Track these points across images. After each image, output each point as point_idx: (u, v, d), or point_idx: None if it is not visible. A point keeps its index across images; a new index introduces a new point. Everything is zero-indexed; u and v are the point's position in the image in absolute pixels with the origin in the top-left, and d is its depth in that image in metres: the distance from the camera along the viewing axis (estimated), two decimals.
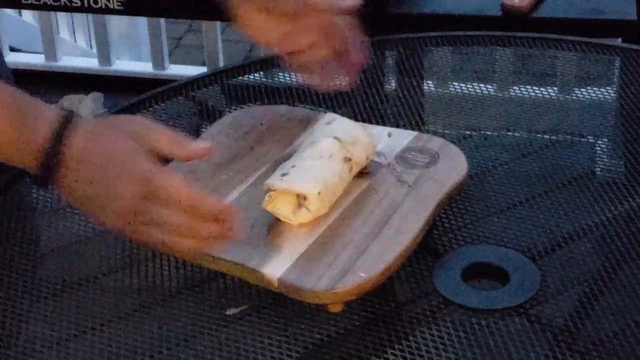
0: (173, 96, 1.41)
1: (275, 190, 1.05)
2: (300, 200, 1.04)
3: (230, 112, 1.36)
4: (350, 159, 1.10)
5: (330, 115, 1.16)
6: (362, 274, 1.00)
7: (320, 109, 1.32)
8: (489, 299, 1.04)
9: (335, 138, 1.10)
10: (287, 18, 1.16)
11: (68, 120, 0.96)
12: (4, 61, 1.36)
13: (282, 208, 1.05)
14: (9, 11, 3.21)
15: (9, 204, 1.23)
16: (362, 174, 1.13)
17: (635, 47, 1.47)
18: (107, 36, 2.95)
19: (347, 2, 1.16)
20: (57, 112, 0.96)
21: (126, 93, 2.56)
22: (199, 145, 1.04)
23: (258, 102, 1.38)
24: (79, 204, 0.98)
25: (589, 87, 1.41)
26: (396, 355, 0.98)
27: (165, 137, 0.99)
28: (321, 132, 1.12)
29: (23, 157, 0.96)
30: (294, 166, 1.08)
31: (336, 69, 1.19)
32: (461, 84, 1.43)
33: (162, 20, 2.91)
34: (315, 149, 1.09)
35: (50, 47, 2.97)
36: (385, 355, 0.98)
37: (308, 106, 1.25)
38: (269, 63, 1.43)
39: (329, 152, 1.08)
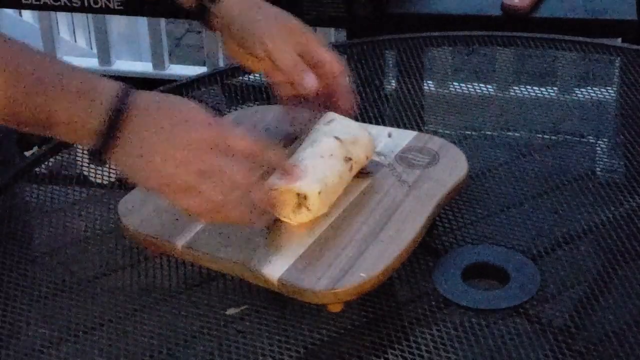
0: None
1: (275, 190, 1.05)
2: (301, 199, 1.04)
3: (230, 112, 1.36)
4: (350, 159, 1.10)
5: (330, 115, 1.16)
6: (362, 274, 1.00)
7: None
8: (489, 299, 1.04)
9: (336, 137, 1.10)
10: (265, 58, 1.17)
11: (125, 95, 0.97)
12: None
13: (282, 208, 1.05)
14: (9, 11, 3.20)
15: (9, 204, 1.23)
16: (362, 173, 1.13)
17: (635, 47, 1.47)
18: (107, 36, 2.95)
19: (308, 81, 1.15)
20: (113, 87, 0.98)
21: None
22: None
23: (258, 102, 1.38)
24: (136, 168, 0.97)
25: (589, 87, 1.41)
26: (396, 355, 0.98)
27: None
28: (321, 131, 1.12)
29: (79, 135, 0.96)
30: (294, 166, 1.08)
31: (321, 105, 1.18)
32: (461, 84, 1.43)
33: (162, 20, 2.91)
34: (315, 149, 1.09)
35: (50, 47, 2.97)
36: (385, 355, 0.98)
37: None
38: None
39: (330, 152, 1.08)
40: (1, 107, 0.95)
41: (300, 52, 1.15)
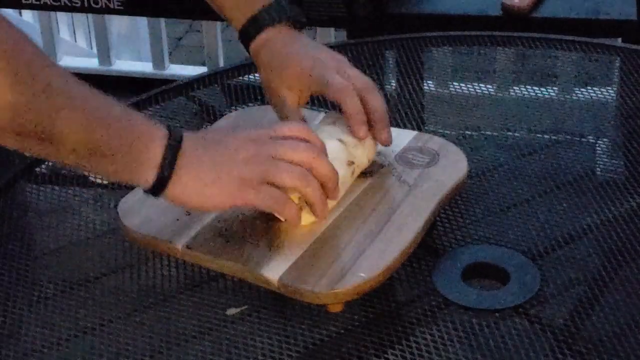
0: (173, 96, 1.41)
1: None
2: (302, 202, 1.04)
3: (230, 112, 1.36)
4: (353, 162, 1.10)
5: (333, 114, 1.15)
6: (362, 274, 1.00)
7: (320, 109, 1.32)
8: (489, 299, 1.04)
9: (340, 140, 1.10)
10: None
11: (177, 137, 0.99)
12: None
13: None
14: (9, 11, 3.20)
15: (9, 204, 1.23)
16: (362, 173, 1.13)
17: (635, 47, 1.47)
18: (107, 36, 2.95)
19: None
20: (163, 132, 0.99)
21: (126, 93, 2.56)
22: None
23: (258, 102, 1.38)
24: (201, 194, 1.00)
25: (589, 87, 1.41)
26: (396, 355, 0.98)
27: None
28: (325, 132, 1.12)
29: (134, 176, 0.99)
30: None
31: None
32: (461, 84, 1.43)
33: (162, 20, 2.91)
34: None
35: (50, 47, 2.97)
36: (385, 355, 0.98)
37: (308, 106, 1.25)
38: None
39: (333, 155, 1.08)
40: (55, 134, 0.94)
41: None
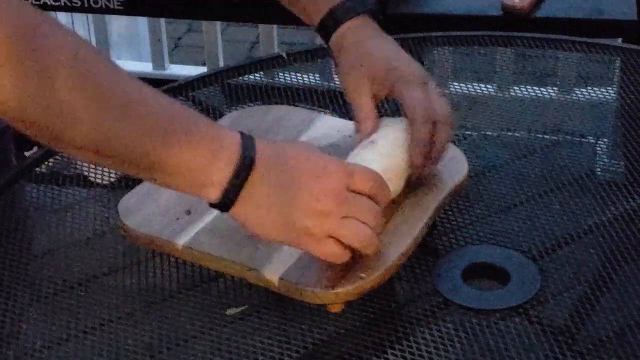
0: (173, 96, 1.41)
1: None
2: None
3: (230, 112, 1.36)
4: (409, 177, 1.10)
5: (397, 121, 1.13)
6: (362, 274, 1.00)
7: (320, 109, 1.32)
8: (489, 299, 1.04)
9: (403, 156, 1.08)
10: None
11: (249, 149, 0.94)
12: None
13: None
14: None
15: (9, 203, 1.23)
16: None
17: (635, 47, 1.47)
18: (107, 36, 2.95)
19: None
20: (237, 141, 0.94)
21: None
22: None
23: (258, 102, 1.38)
24: (262, 222, 0.96)
25: (589, 87, 1.41)
26: (396, 355, 0.98)
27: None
28: (392, 142, 1.10)
29: (201, 189, 0.95)
30: None
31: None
32: (461, 84, 1.43)
33: (162, 20, 2.91)
34: (388, 163, 1.07)
35: None
36: (385, 355, 0.98)
37: (308, 106, 1.25)
38: (269, 63, 1.44)
39: (396, 172, 1.07)
40: (101, 141, 0.91)
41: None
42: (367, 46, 1.15)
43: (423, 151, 1.08)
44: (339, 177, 0.96)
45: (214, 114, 1.39)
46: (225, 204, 0.95)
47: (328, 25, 1.17)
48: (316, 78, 1.46)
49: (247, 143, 0.95)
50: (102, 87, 0.92)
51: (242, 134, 0.96)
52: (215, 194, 0.94)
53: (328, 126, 1.22)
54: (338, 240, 0.97)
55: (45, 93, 0.87)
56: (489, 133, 1.36)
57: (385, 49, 1.15)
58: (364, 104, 1.13)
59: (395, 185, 1.06)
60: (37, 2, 2.61)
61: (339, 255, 0.98)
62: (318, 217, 0.95)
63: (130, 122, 0.92)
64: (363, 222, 0.97)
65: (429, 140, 1.08)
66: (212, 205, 0.96)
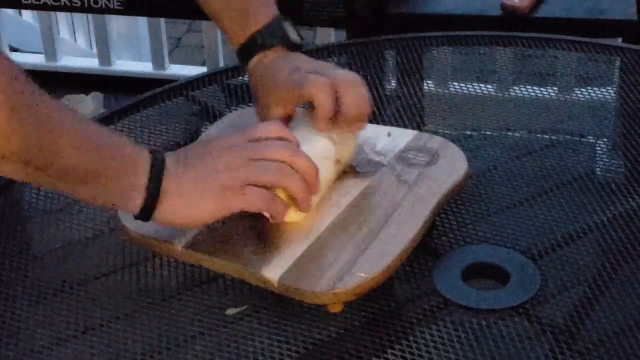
0: (173, 96, 1.41)
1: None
2: (290, 200, 1.04)
3: (230, 112, 1.36)
4: (339, 161, 1.10)
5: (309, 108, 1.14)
6: (362, 274, 1.00)
7: None
8: (489, 299, 1.04)
9: (330, 138, 1.10)
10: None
11: (159, 159, 1.00)
12: None
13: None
14: (9, 11, 3.21)
15: (8, 204, 1.23)
16: (362, 173, 1.13)
17: (635, 47, 1.47)
18: (107, 36, 2.95)
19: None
20: (147, 156, 1.00)
21: (126, 93, 2.56)
22: None
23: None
24: (188, 207, 1.01)
25: (589, 87, 1.41)
26: (396, 355, 0.98)
27: None
28: (314, 130, 1.11)
29: (123, 203, 1.01)
30: None
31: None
32: (461, 84, 1.43)
33: (162, 20, 2.92)
34: (309, 149, 1.08)
35: (50, 47, 2.97)
36: (385, 355, 0.98)
37: (308, 106, 1.25)
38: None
39: (324, 154, 1.08)
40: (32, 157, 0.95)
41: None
42: (270, 69, 1.17)
43: (322, 115, 1.09)
44: (237, 136, 1.04)
45: (214, 114, 1.39)
46: (148, 210, 1.00)
47: (244, 53, 1.20)
48: None
49: (156, 151, 1.01)
50: (38, 109, 0.96)
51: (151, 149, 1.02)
52: (138, 202, 0.99)
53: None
54: (257, 186, 1.01)
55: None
56: (489, 133, 1.36)
57: (285, 63, 1.16)
58: (274, 117, 1.14)
59: (323, 168, 1.06)
60: (38, 2, 2.62)
61: (267, 198, 1.01)
62: (227, 169, 1.01)
63: (64, 135, 0.96)
64: (274, 161, 1.01)
65: (331, 104, 1.09)
66: (137, 216, 1.01)
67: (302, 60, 1.17)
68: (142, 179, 0.99)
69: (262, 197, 1.01)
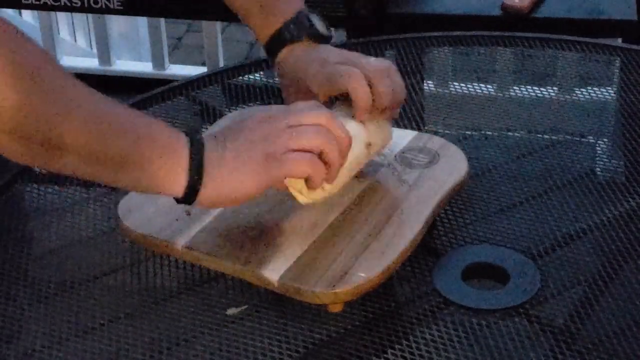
0: (173, 96, 1.41)
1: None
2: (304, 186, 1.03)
3: (230, 112, 1.36)
4: (370, 144, 1.09)
5: (347, 101, 1.13)
6: (362, 274, 1.00)
7: None
8: (489, 299, 1.04)
9: (357, 122, 1.09)
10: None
11: (198, 141, 0.99)
12: None
13: (297, 182, 1.03)
14: (9, 11, 3.20)
15: (9, 204, 1.23)
16: (362, 173, 1.13)
17: (635, 47, 1.47)
18: (107, 36, 2.95)
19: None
20: (184, 138, 0.99)
21: (126, 93, 2.56)
22: None
23: (258, 102, 1.38)
24: (232, 184, 1.00)
25: (589, 87, 1.41)
26: (396, 355, 0.98)
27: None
28: (343, 114, 1.10)
29: (163, 187, 0.99)
30: None
31: None
32: (461, 84, 1.43)
33: (162, 20, 2.91)
34: None
35: (50, 47, 2.97)
36: (385, 355, 0.98)
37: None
38: (269, 63, 1.43)
39: (354, 133, 1.07)
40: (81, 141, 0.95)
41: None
42: (300, 62, 1.16)
43: (363, 107, 1.09)
44: (274, 109, 1.03)
45: (214, 114, 1.39)
46: (193, 191, 0.98)
47: (272, 49, 1.19)
48: None
49: (192, 132, 1.00)
50: (49, 82, 0.95)
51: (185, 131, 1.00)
52: (181, 185, 0.98)
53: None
54: (300, 151, 1.00)
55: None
56: (489, 133, 1.36)
57: (315, 56, 1.16)
58: None
59: (355, 146, 1.06)
60: (38, 2, 2.61)
61: (307, 162, 1.00)
62: (265, 139, 0.99)
63: (79, 115, 0.95)
64: (312, 125, 1.00)
65: (369, 95, 1.09)
66: (181, 200, 1.00)
67: (331, 52, 1.16)
68: (184, 161, 0.98)
69: (305, 160, 1.00)
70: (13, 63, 0.91)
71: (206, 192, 0.99)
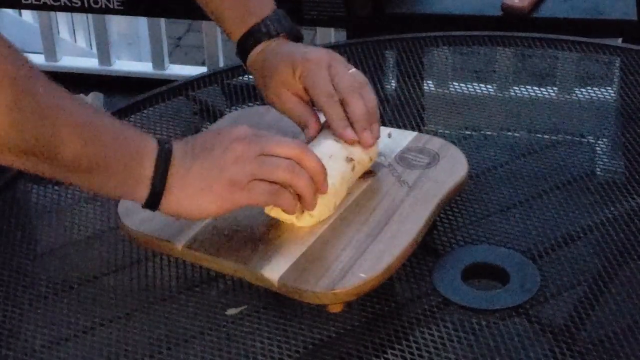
0: (173, 96, 1.42)
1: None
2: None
3: (230, 112, 1.36)
4: (352, 159, 1.10)
5: None
6: (362, 275, 1.00)
7: (318, 109, 1.31)
8: (489, 299, 1.04)
9: (335, 139, 1.10)
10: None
11: (166, 151, 1.00)
12: None
13: (284, 213, 1.04)
14: (9, 11, 3.20)
15: (9, 204, 1.24)
16: (365, 174, 1.13)
17: (635, 47, 1.47)
18: (107, 36, 2.95)
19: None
20: (153, 145, 0.99)
21: (126, 93, 2.56)
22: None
23: (258, 102, 1.38)
24: (193, 200, 1.00)
25: (589, 87, 1.41)
26: (396, 355, 0.98)
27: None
28: (323, 133, 1.12)
29: (129, 192, 1.00)
30: None
31: None
32: (461, 84, 1.43)
33: (162, 20, 2.91)
34: (315, 150, 1.08)
35: (50, 47, 2.97)
36: (385, 355, 0.98)
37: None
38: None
39: (329, 153, 1.08)
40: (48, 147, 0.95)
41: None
42: (274, 58, 1.16)
43: (342, 126, 1.09)
44: (248, 129, 1.02)
45: (214, 114, 1.39)
46: (154, 200, 0.99)
47: (245, 46, 1.19)
48: None
49: (163, 140, 1.01)
50: (41, 98, 0.95)
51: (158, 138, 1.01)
52: (144, 192, 0.99)
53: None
54: (264, 181, 1.00)
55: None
56: (488, 133, 1.36)
57: (288, 52, 1.16)
58: (294, 107, 1.14)
59: (330, 166, 1.06)
60: (38, 2, 2.61)
61: (271, 193, 1.01)
62: (234, 164, 1.00)
63: (67, 125, 0.95)
64: (283, 158, 1.01)
65: (343, 115, 1.10)
66: (144, 206, 1.00)
67: (307, 48, 1.17)
68: (148, 170, 0.99)
69: (268, 191, 1.01)
70: (9, 79, 0.91)
71: (168, 204, 1.00)
